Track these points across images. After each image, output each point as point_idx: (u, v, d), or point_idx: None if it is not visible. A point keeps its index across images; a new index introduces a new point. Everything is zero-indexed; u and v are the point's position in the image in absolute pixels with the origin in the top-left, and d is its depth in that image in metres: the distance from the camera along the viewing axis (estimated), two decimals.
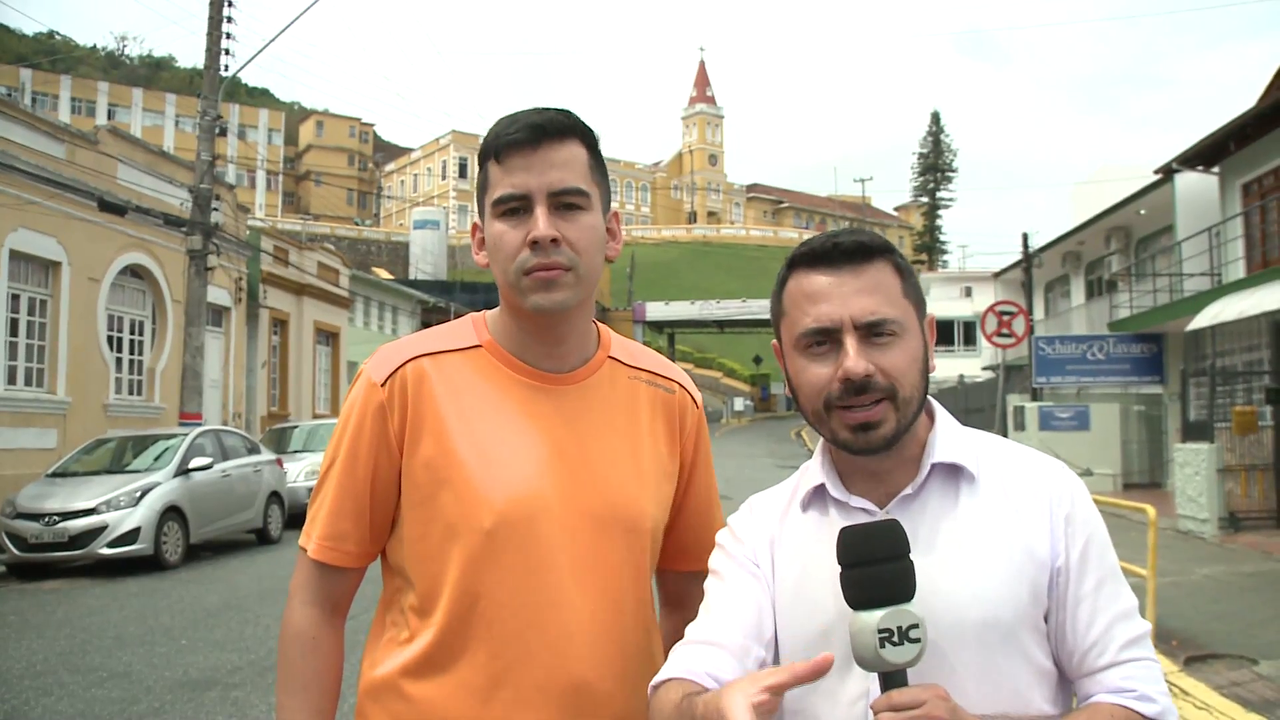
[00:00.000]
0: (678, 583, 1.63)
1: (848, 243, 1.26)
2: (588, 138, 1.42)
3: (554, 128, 1.38)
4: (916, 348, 1.26)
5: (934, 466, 1.27)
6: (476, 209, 1.49)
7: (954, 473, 1.28)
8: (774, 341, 1.36)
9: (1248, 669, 6.22)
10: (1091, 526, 1.26)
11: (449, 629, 1.38)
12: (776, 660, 1.35)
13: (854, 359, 1.21)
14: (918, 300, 1.30)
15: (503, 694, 1.36)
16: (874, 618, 1.13)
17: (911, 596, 1.14)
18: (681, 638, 1.35)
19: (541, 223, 1.35)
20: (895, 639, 1.12)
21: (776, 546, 1.35)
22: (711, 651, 1.28)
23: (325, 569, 1.45)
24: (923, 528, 1.24)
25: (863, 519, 1.27)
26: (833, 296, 1.24)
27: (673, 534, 1.57)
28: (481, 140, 1.45)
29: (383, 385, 1.42)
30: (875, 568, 1.15)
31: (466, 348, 1.47)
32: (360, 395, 1.44)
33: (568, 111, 1.42)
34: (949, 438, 1.30)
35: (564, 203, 1.38)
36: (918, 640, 1.13)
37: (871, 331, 1.23)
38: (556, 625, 1.38)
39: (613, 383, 1.51)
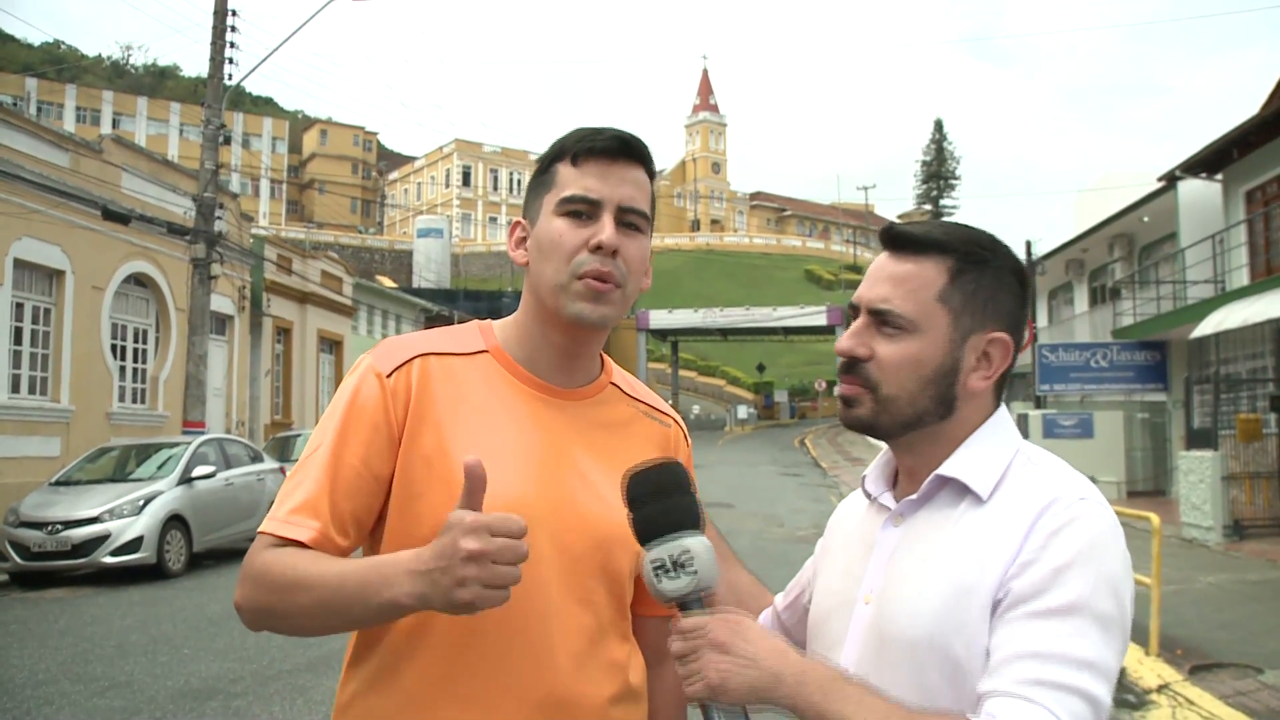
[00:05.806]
0: (660, 631, 1.45)
1: (898, 232, 1.28)
2: (653, 173, 1.46)
3: (635, 149, 1.41)
4: (928, 354, 1.23)
5: (939, 478, 1.25)
6: (525, 207, 1.48)
7: (962, 490, 1.23)
8: None
9: (1253, 678, 6.20)
10: (1064, 557, 1.11)
11: (425, 637, 1.33)
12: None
13: (844, 336, 1.27)
14: (976, 310, 1.24)
15: (479, 705, 1.31)
16: (649, 552, 1.17)
17: (693, 529, 1.17)
18: (669, 693, 1.48)
19: (608, 230, 1.37)
20: (670, 570, 1.15)
21: (831, 530, 1.46)
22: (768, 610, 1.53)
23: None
24: (909, 535, 1.25)
25: (883, 514, 1.31)
26: (868, 278, 1.28)
27: None
28: (554, 144, 1.44)
29: (388, 377, 1.38)
30: (650, 505, 1.19)
31: (472, 352, 1.44)
32: (361, 383, 1.38)
33: (644, 141, 1.45)
34: (973, 454, 1.24)
35: (629, 221, 1.40)
36: (694, 571, 1.14)
37: (879, 319, 1.25)
38: (541, 637, 1.33)
39: (613, 405, 1.51)
